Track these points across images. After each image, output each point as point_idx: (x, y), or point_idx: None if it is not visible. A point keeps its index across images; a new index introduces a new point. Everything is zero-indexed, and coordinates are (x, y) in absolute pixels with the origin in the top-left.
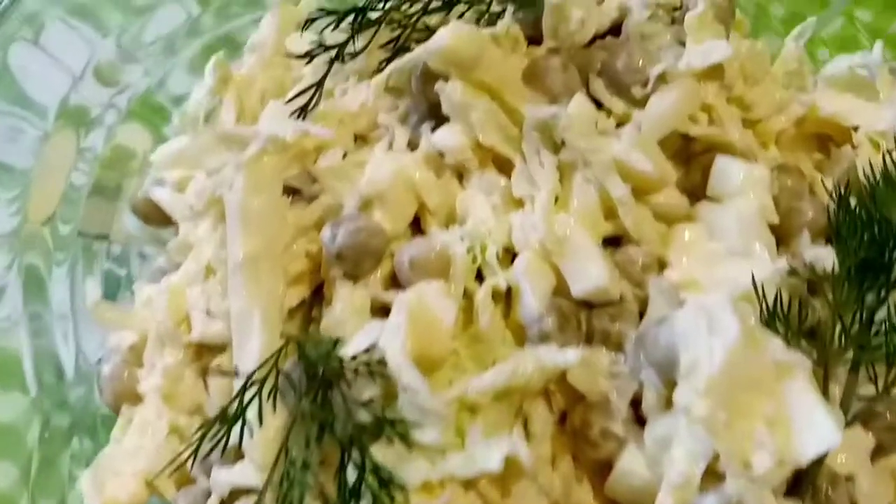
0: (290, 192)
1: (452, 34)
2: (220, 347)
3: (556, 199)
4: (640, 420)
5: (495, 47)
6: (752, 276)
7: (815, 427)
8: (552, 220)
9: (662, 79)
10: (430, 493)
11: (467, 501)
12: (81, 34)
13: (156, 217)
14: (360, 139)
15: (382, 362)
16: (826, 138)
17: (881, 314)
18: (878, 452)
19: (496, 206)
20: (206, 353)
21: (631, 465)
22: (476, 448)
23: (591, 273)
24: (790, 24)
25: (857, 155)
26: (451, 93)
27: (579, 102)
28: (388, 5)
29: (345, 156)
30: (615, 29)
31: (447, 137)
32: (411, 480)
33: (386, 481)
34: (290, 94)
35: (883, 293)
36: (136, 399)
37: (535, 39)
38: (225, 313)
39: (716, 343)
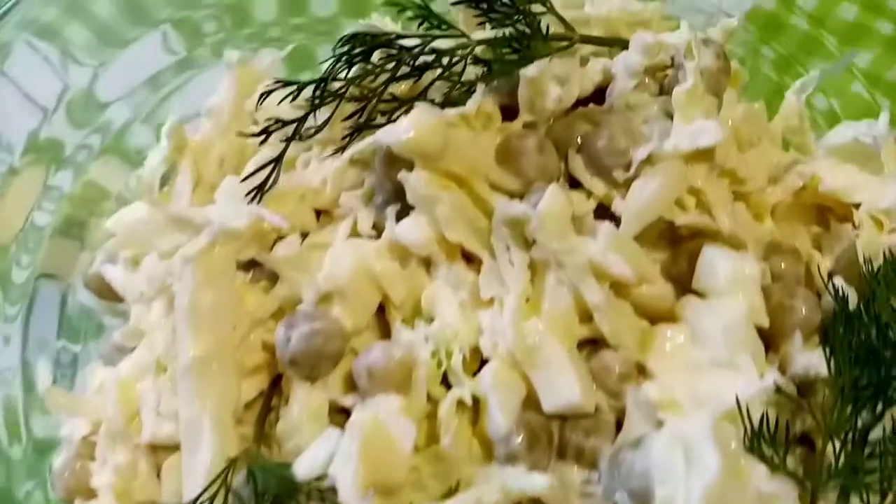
0: (249, 263)
1: (416, 126)
2: (174, 447)
3: (528, 299)
4: None
5: (465, 127)
6: (737, 397)
7: None
8: (522, 327)
9: (648, 161)
10: None
11: None
12: (53, 67)
13: (109, 293)
14: (324, 214)
15: (335, 490)
16: (825, 209)
17: (876, 434)
18: None
19: (464, 303)
20: (160, 449)
21: None
22: None
23: (563, 388)
24: (782, 68)
25: (857, 235)
26: (415, 184)
27: (553, 198)
28: (351, 73)
29: (306, 236)
30: (599, 92)
31: (411, 231)
32: None
33: None
34: (247, 170)
35: (879, 410)
36: (90, 494)
37: (510, 108)
38: (175, 414)
39: (694, 480)
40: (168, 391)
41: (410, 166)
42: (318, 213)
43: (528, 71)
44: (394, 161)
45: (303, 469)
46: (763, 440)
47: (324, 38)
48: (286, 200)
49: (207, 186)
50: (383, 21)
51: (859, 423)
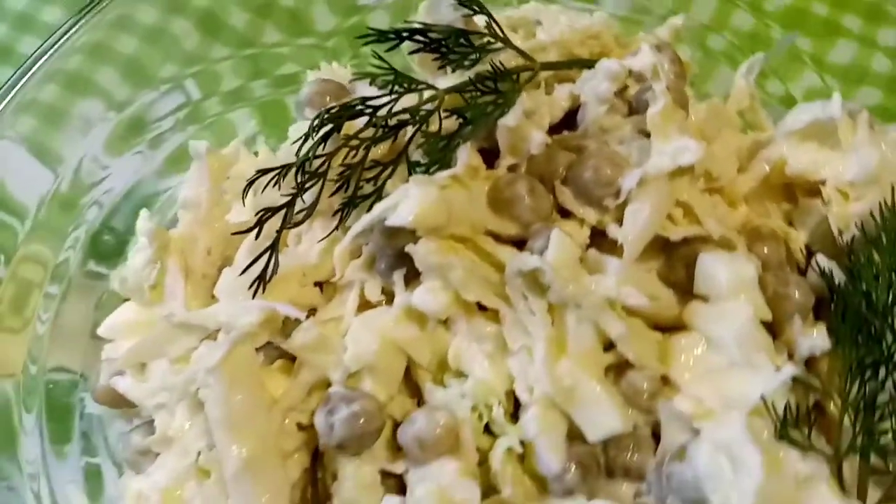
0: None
1: (420, 205)
2: None
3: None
4: None
5: (457, 187)
6: (762, 396)
7: None
8: (555, 371)
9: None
10: None
11: None
12: None
13: (123, 402)
14: (327, 285)
15: None
16: (792, 185)
17: (882, 398)
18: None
19: (491, 355)
20: None
21: None
22: None
23: (604, 418)
24: (728, 55)
25: (828, 210)
26: (424, 255)
27: (559, 245)
28: (326, 147)
29: (312, 313)
30: (568, 116)
31: (428, 300)
32: None
33: None
34: (239, 260)
35: (882, 376)
36: None
37: (488, 150)
38: None
39: (743, 482)
40: (216, 496)
41: (411, 235)
42: (321, 287)
43: (508, 120)
44: (394, 233)
45: None
46: (788, 425)
47: (289, 91)
48: (289, 284)
49: (199, 277)
50: (332, 68)
51: (867, 391)
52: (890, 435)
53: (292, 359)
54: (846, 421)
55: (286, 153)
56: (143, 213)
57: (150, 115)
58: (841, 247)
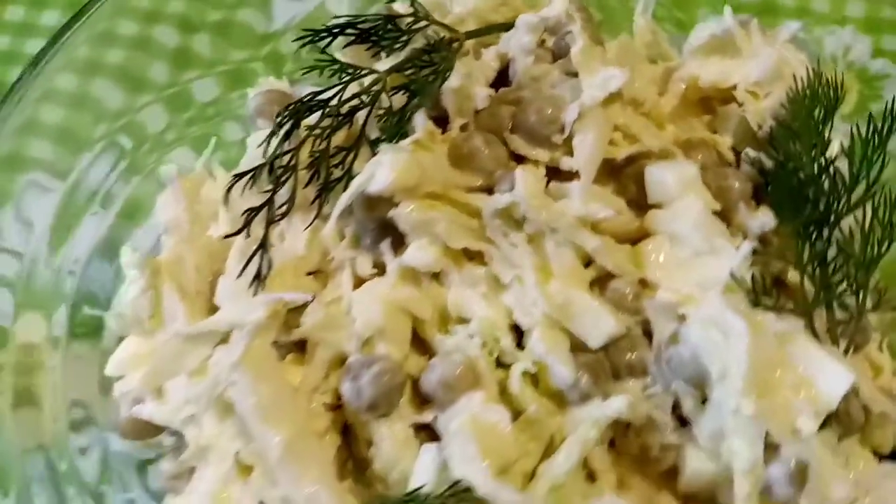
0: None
1: (395, 168)
2: None
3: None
4: (679, 420)
5: (421, 151)
6: (731, 272)
7: (831, 375)
8: (548, 292)
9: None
10: None
11: None
12: None
13: (148, 430)
14: (317, 274)
15: (467, 490)
16: (708, 99)
17: (832, 253)
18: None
19: (486, 294)
20: None
21: (697, 463)
22: None
23: (602, 326)
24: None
25: (744, 111)
26: (407, 216)
27: (526, 180)
28: (290, 144)
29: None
30: (500, 75)
31: (419, 256)
32: None
33: None
34: (231, 266)
35: (826, 235)
36: None
37: (439, 119)
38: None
39: (735, 346)
40: (264, 487)
41: (390, 203)
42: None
43: (451, 83)
44: (373, 204)
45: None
46: (758, 293)
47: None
48: (285, 278)
49: (193, 294)
50: (269, 80)
51: (816, 251)
52: (845, 284)
53: (301, 351)
54: (807, 283)
55: (249, 162)
56: (125, 249)
57: (92, 176)
58: (763, 138)
